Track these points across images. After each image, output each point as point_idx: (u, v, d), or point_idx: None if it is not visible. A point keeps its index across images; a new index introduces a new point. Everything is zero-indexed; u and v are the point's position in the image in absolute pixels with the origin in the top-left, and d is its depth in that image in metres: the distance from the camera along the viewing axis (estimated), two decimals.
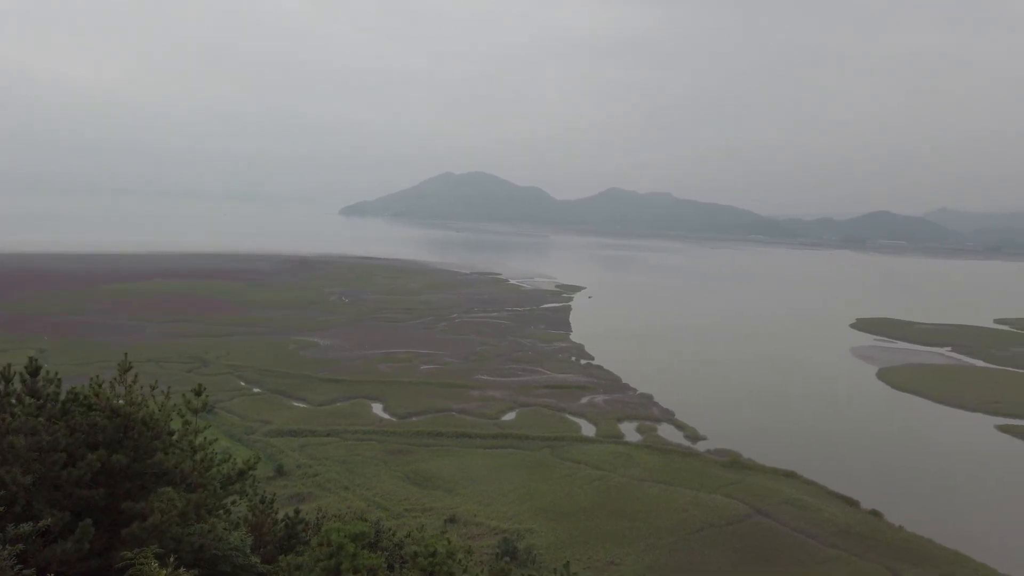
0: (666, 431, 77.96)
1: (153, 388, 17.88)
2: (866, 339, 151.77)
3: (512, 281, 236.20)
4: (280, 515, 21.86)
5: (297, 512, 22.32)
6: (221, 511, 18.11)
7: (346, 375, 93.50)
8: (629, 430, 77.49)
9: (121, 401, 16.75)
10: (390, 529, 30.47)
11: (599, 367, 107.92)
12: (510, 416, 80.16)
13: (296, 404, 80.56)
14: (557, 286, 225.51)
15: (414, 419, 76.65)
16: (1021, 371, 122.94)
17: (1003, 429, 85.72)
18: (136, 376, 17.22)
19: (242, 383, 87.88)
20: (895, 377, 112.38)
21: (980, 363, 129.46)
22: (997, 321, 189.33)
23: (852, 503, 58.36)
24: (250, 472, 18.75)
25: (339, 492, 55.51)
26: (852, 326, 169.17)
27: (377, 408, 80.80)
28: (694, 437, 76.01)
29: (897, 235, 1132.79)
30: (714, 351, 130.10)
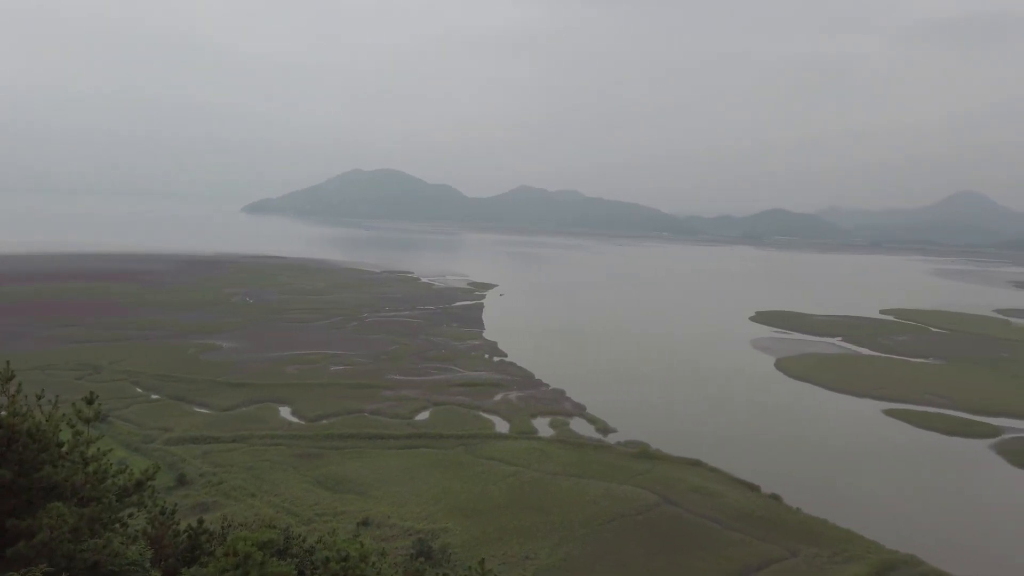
0: (578, 425, 79.27)
1: (39, 398, 16.68)
2: (764, 331, 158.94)
3: (424, 279, 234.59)
4: (182, 526, 20.84)
5: (200, 522, 21.34)
6: (117, 525, 17.12)
7: (251, 378, 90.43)
8: (542, 425, 78.35)
9: (3, 412, 15.55)
10: (300, 535, 29.59)
11: (512, 364, 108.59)
12: (424, 415, 79.57)
13: (198, 410, 77.29)
14: (469, 284, 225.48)
15: (324, 422, 74.95)
16: (904, 358, 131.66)
17: (889, 413, 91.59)
18: (20, 385, 16.03)
19: (139, 389, 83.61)
20: (791, 367, 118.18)
21: (868, 351, 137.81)
22: (882, 312, 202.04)
23: (753, 488, 60.99)
24: (149, 483, 17.79)
25: (246, 500, 53.62)
26: (751, 319, 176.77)
27: (285, 412, 78.53)
28: (605, 430, 77.60)
29: (791, 231, 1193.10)
30: (622, 345, 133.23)
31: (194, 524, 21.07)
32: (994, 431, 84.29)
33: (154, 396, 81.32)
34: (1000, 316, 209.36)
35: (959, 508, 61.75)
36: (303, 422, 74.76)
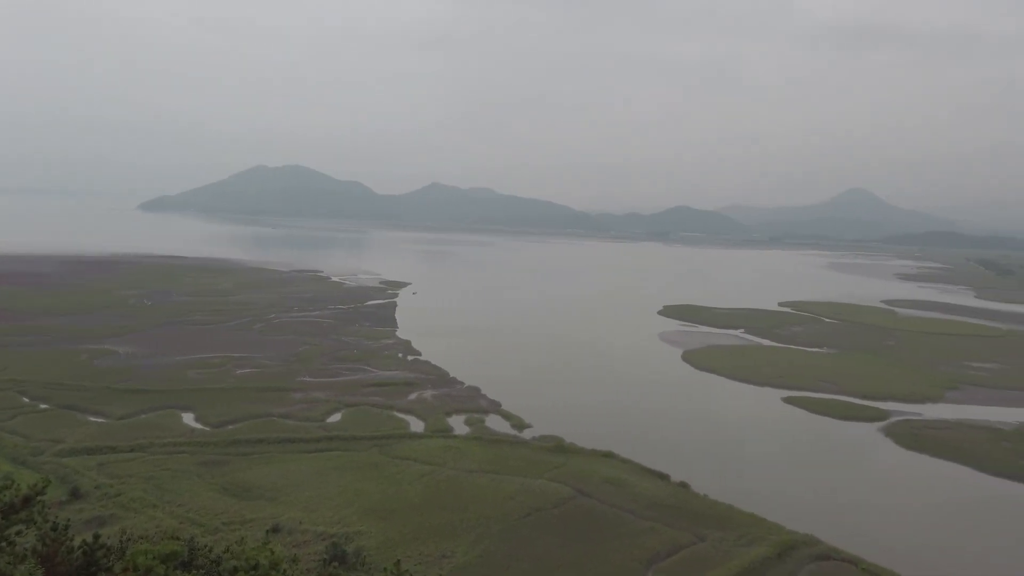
0: (494, 422, 79.53)
1: None
2: (672, 324, 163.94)
3: (334, 278, 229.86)
4: (76, 542, 19.62)
5: (96, 537, 20.14)
6: (3, 544, 16.00)
7: (151, 384, 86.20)
8: (458, 423, 78.20)
9: None
10: (206, 545, 28.39)
11: (427, 362, 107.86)
12: (336, 417, 77.96)
13: (92, 419, 73.03)
14: (381, 282, 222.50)
15: (230, 427, 72.28)
16: (800, 348, 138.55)
17: (788, 400, 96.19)
18: None
19: (25, 399, 78.23)
20: (697, 358, 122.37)
21: (767, 342, 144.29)
22: (780, 304, 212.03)
23: (663, 477, 62.83)
24: (38, 498, 16.69)
25: (146, 511, 51.07)
26: (659, 313, 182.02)
27: (188, 418, 75.26)
28: (521, 426, 78.16)
29: (696, 228, 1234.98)
30: (536, 342, 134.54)
31: (89, 539, 19.88)
32: (882, 415, 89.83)
33: (43, 406, 76.25)
34: (886, 307, 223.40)
35: (852, 488, 65.49)
36: (207, 428, 71.86)
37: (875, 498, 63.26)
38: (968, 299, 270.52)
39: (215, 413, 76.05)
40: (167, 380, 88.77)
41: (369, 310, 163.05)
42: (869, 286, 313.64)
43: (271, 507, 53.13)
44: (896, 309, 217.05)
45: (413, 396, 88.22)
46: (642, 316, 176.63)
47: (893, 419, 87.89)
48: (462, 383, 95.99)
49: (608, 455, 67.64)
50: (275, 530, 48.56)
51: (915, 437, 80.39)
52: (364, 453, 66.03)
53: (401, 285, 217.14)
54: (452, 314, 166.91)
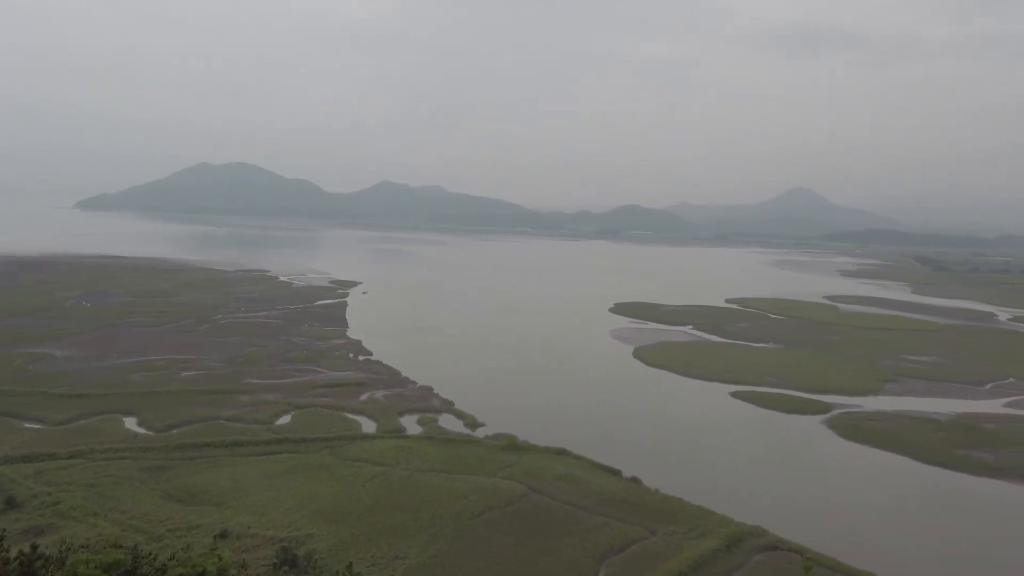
0: (447, 421, 79.26)
1: None
2: (623, 321, 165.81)
3: (282, 278, 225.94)
4: (13, 553, 18.86)
5: (34, 548, 19.40)
6: None
7: (91, 388, 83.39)
8: (410, 423, 77.70)
9: None
10: (151, 553, 27.60)
11: (378, 362, 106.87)
12: (285, 419, 76.65)
13: (28, 425, 70.30)
14: (331, 282, 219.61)
15: (175, 431, 70.42)
16: (747, 344, 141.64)
17: (735, 395, 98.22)
18: None
19: None
20: (648, 355, 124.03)
21: (716, 338, 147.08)
22: (727, 301, 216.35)
23: (615, 473, 63.51)
24: None
25: (87, 520, 49.41)
26: (611, 310, 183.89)
27: (131, 423, 73.06)
28: (473, 424, 78.07)
29: (645, 226, 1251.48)
30: (489, 340, 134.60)
31: (27, 550, 19.13)
32: (825, 407, 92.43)
33: None
34: (829, 303, 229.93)
35: (797, 479, 67.26)
36: (151, 433, 69.87)
37: (819, 489, 65.08)
38: (906, 294, 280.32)
39: (159, 417, 74.00)
40: (108, 384, 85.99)
41: (319, 310, 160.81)
42: (812, 282, 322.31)
43: (218, 512, 51.95)
44: (838, 305, 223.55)
45: (364, 397, 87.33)
46: (593, 314, 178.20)
47: (835, 412, 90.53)
48: (414, 383, 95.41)
49: (561, 452, 68.05)
50: (223, 535, 47.52)
51: (856, 429, 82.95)
52: (315, 455, 65.10)
53: (351, 284, 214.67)
54: (404, 313, 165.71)
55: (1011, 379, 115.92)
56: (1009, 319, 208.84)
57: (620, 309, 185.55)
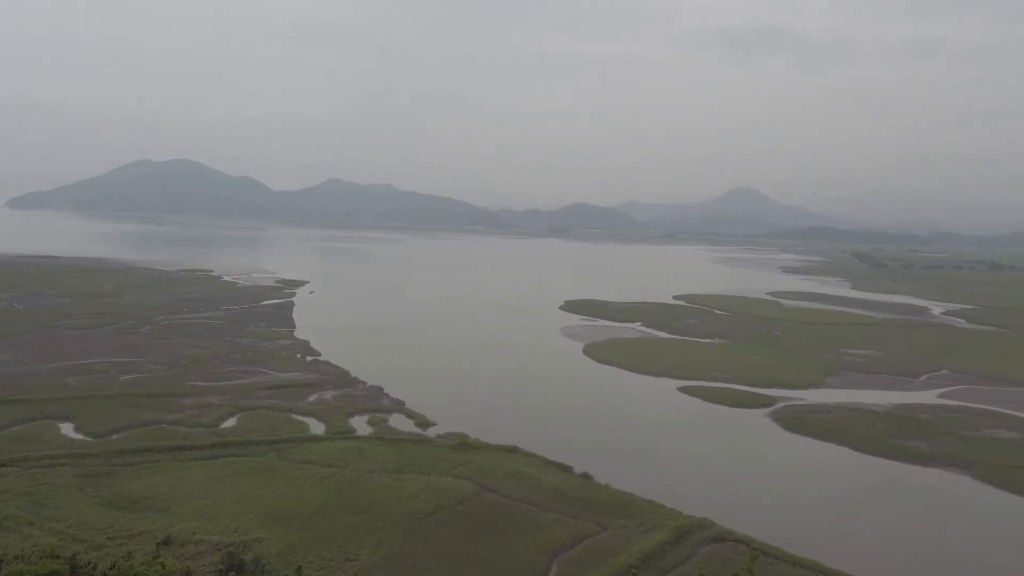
0: (397, 421, 78.59)
1: None
2: (573, 319, 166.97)
3: (227, 278, 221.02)
4: None
5: None
6: None
7: (24, 393, 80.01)
8: (360, 424, 76.80)
9: None
10: (90, 563, 26.66)
11: (327, 363, 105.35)
12: (231, 422, 74.93)
13: None
14: (278, 281, 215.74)
15: (115, 436, 68.16)
16: (694, 339, 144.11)
17: (683, 390, 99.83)
18: None
19: None
20: (597, 352, 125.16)
21: (663, 334, 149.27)
22: (675, 297, 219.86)
23: (567, 469, 63.89)
24: None
25: (22, 529, 47.45)
26: (561, 308, 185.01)
27: (67, 428, 70.42)
28: (424, 424, 77.59)
29: (594, 224, 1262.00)
30: (439, 338, 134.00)
31: None
32: (770, 401, 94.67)
33: None
34: (773, 299, 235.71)
35: (743, 471, 68.70)
36: (90, 438, 67.50)
37: (764, 480, 66.61)
38: (845, 290, 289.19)
39: (98, 422, 71.54)
40: (43, 388, 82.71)
41: (265, 310, 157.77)
42: (757, 279, 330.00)
43: (161, 519, 50.49)
44: (781, 301, 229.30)
45: (313, 398, 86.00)
46: (544, 311, 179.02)
47: (779, 405, 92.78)
48: (364, 383, 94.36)
49: (513, 450, 68.13)
50: (166, 542, 46.22)
51: (799, 421, 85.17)
52: (261, 458, 63.82)
53: (298, 284, 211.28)
54: (352, 313, 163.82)
55: (944, 371, 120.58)
56: (942, 313, 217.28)
57: (570, 306, 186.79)
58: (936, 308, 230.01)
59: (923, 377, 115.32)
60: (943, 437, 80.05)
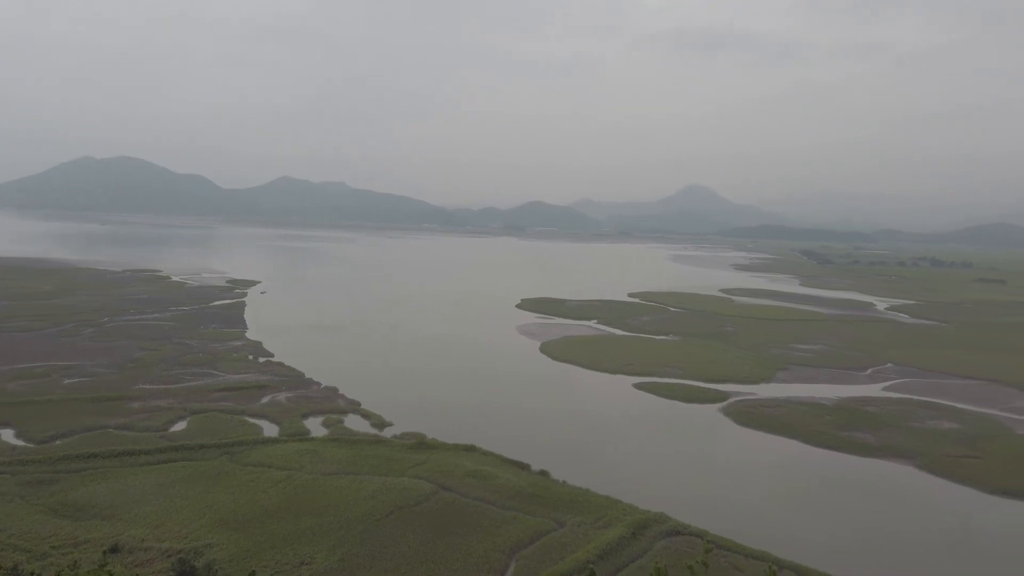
0: (353, 422, 77.74)
1: None
2: (529, 317, 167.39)
3: (175, 278, 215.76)
4: None
5: None
6: None
7: None
8: (315, 425, 75.76)
9: None
10: (33, 572, 25.82)
11: (280, 364, 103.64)
12: (180, 425, 73.18)
13: None
14: (228, 281, 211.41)
15: (59, 442, 65.93)
16: (648, 336, 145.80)
17: (638, 386, 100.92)
18: None
19: None
20: (554, 349, 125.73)
21: (619, 332, 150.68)
22: (630, 295, 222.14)
23: (524, 467, 64.05)
24: None
25: None
26: (517, 306, 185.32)
27: (7, 434, 67.85)
28: (381, 424, 76.90)
29: (550, 222, 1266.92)
30: (395, 338, 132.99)
31: None
32: (722, 396, 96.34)
33: None
34: (724, 295, 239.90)
35: (697, 465, 69.80)
36: (31, 445, 65.14)
37: (717, 474, 67.78)
38: (795, 287, 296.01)
39: (40, 428, 69.08)
40: None
41: (215, 311, 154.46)
42: (709, 276, 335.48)
43: (109, 526, 49.03)
44: (733, 297, 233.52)
45: (266, 399, 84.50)
46: (500, 310, 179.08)
47: (732, 400, 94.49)
48: (319, 384, 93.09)
49: (470, 448, 68.00)
50: (114, 550, 44.91)
51: (751, 416, 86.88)
52: (213, 462, 62.47)
53: (250, 284, 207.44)
54: (306, 313, 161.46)
55: (888, 364, 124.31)
56: (886, 308, 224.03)
57: (527, 305, 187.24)
58: (881, 304, 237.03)
59: (869, 371, 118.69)
60: (888, 429, 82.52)
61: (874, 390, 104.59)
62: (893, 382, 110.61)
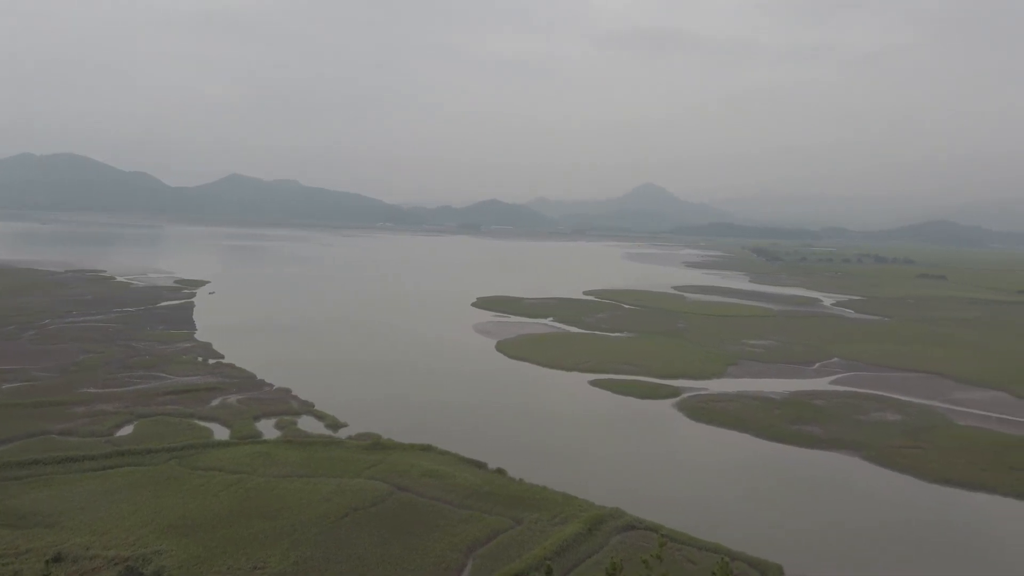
0: (307, 423, 76.63)
1: None
2: (486, 315, 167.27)
3: (121, 278, 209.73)
4: None
5: None
6: None
7: None
8: (267, 427, 74.44)
9: None
10: None
11: (230, 365, 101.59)
12: (127, 430, 71.15)
13: None
14: (176, 282, 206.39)
15: None
16: (604, 333, 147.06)
17: (594, 383, 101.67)
18: None
19: None
20: (510, 348, 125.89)
21: (575, 329, 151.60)
22: (585, 293, 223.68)
23: (481, 465, 63.97)
24: None
25: None
26: (473, 304, 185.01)
27: None
28: (335, 425, 75.97)
29: (505, 220, 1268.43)
30: (350, 338, 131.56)
31: None
32: (675, 391, 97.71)
33: None
34: (677, 292, 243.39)
35: (651, 460, 70.66)
36: None
37: (672, 468, 68.75)
38: (744, 283, 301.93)
39: None
40: None
41: (162, 312, 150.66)
42: (662, 273, 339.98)
43: (51, 534, 47.40)
44: (685, 294, 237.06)
45: (216, 402, 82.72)
46: (456, 308, 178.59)
47: (685, 395, 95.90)
48: (271, 385, 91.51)
49: (427, 448, 67.65)
50: (57, 559, 43.46)
51: (703, 410, 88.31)
52: (161, 467, 60.91)
53: (198, 284, 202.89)
54: (257, 313, 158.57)
55: (835, 359, 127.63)
56: (833, 304, 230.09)
57: (483, 303, 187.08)
58: (827, 299, 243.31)
59: (816, 365, 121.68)
60: (835, 422, 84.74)
61: (822, 384, 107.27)
62: (840, 376, 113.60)
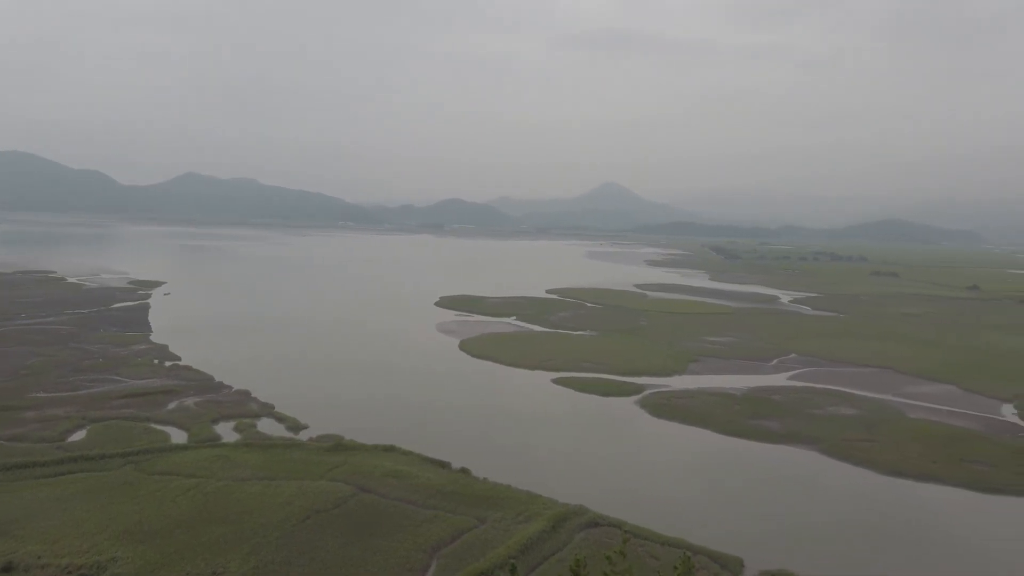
0: (267, 425, 75.52)
1: None
2: (449, 315, 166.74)
3: (72, 279, 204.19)
4: None
5: None
6: None
7: None
8: (226, 430, 73.16)
9: None
10: None
11: (187, 367, 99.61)
12: (79, 435, 69.32)
13: None
14: (131, 282, 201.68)
15: None
16: (567, 332, 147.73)
17: (557, 382, 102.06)
18: None
19: None
20: (473, 347, 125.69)
21: (538, 328, 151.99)
22: (548, 291, 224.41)
23: (444, 465, 63.76)
24: None
25: None
26: (436, 304, 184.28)
27: None
28: (296, 427, 75.02)
29: (468, 219, 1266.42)
30: (310, 338, 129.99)
31: None
32: (637, 389, 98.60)
33: None
34: (639, 290, 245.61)
35: (614, 457, 71.19)
36: None
37: (634, 464, 69.37)
38: (704, 281, 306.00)
39: None
40: None
41: (116, 314, 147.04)
42: (624, 272, 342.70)
43: (1, 543, 45.91)
44: (647, 292, 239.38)
45: (173, 405, 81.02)
46: (419, 308, 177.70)
47: (647, 392, 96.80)
48: (230, 387, 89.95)
49: (390, 449, 67.19)
50: (7, 569, 42.18)
51: (665, 407, 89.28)
52: (116, 472, 59.45)
53: (153, 285, 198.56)
54: (214, 314, 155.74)
55: (792, 355, 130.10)
56: (790, 301, 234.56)
57: (445, 302, 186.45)
58: (785, 297, 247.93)
59: (774, 361, 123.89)
60: (793, 416, 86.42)
61: (779, 379, 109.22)
62: (797, 371, 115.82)
